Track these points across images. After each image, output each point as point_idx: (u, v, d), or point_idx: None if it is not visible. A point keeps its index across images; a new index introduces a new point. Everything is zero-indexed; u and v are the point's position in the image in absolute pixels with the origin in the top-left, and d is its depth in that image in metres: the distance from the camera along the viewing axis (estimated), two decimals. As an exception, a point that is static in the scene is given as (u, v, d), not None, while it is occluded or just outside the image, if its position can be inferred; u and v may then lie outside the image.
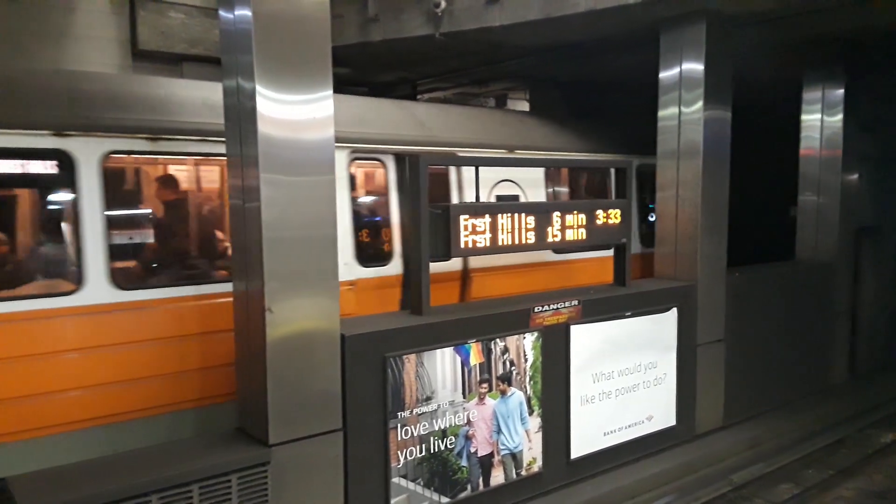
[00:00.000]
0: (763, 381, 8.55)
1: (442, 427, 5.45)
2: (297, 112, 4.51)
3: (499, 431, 5.82)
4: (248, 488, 4.46)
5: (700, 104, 7.27)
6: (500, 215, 5.87)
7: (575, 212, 6.38)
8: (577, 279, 8.07)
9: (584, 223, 6.44)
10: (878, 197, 10.41)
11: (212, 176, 6.41)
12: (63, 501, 3.93)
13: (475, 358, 5.63)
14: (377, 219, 7.06)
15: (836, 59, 9.22)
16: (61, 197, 5.36)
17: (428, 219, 5.57)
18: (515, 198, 7.54)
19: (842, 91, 9.26)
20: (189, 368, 5.58)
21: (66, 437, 5.09)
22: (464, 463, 5.62)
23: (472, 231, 5.70)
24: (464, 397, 5.58)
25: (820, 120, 9.44)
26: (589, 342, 6.43)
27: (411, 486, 5.32)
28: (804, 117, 9.58)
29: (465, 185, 7.40)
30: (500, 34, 7.92)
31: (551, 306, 6.14)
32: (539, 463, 6.12)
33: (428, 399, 5.36)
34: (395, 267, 6.89)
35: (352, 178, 6.78)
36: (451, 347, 5.48)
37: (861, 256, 10.20)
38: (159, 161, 5.99)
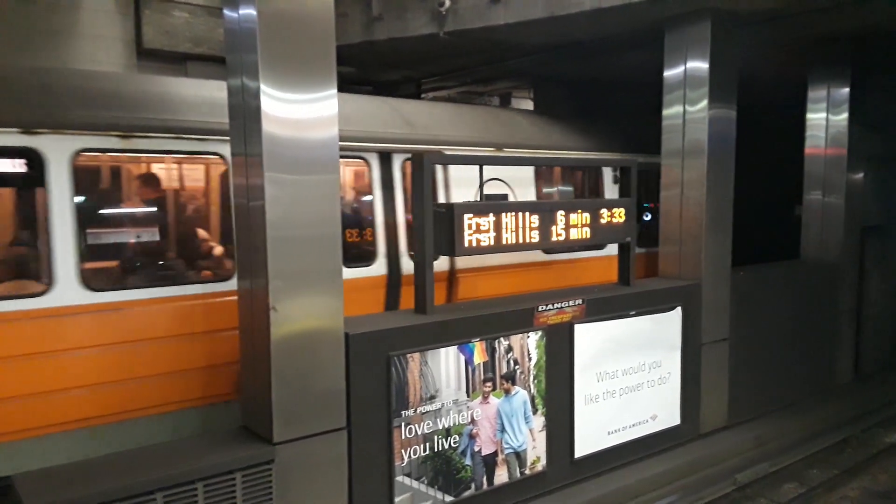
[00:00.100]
0: (767, 380, 8.53)
1: (446, 426, 5.46)
2: (302, 111, 4.51)
3: (502, 430, 5.82)
4: (253, 486, 4.47)
5: (704, 103, 7.26)
6: (503, 214, 5.86)
7: (579, 210, 6.37)
8: (568, 280, 7.97)
9: (588, 222, 6.43)
10: (884, 196, 10.38)
11: (188, 174, 6.31)
12: (68, 499, 3.93)
13: (479, 357, 5.63)
14: (361, 219, 6.92)
15: (841, 58, 9.19)
16: (30, 196, 5.27)
17: (432, 218, 5.58)
18: (504, 197, 7.42)
19: (847, 90, 9.23)
20: (164, 372, 5.48)
21: (35, 441, 5.01)
22: (468, 462, 5.62)
23: (475, 230, 5.69)
24: (468, 396, 5.58)
25: (825, 119, 9.40)
26: (593, 341, 6.42)
27: (415, 484, 5.33)
28: (809, 116, 9.54)
29: (452, 184, 7.27)
30: (505, 33, 7.92)
31: (555, 305, 6.14)
32: (543, 462, 6.12)
33: (432, 398, 5.36)
34: (379, 267, 6.77)
35: None
36: (455, 346, 5.49)
37: (866, 256, 10.18)
38: (132, 159, 5.85)
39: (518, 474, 5.96)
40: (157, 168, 6.04)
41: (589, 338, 6.38)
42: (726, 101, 7.44)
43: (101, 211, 5.71)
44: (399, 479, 5.23)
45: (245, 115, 4.52)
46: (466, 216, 5.63)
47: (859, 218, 9.82)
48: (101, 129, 5.24)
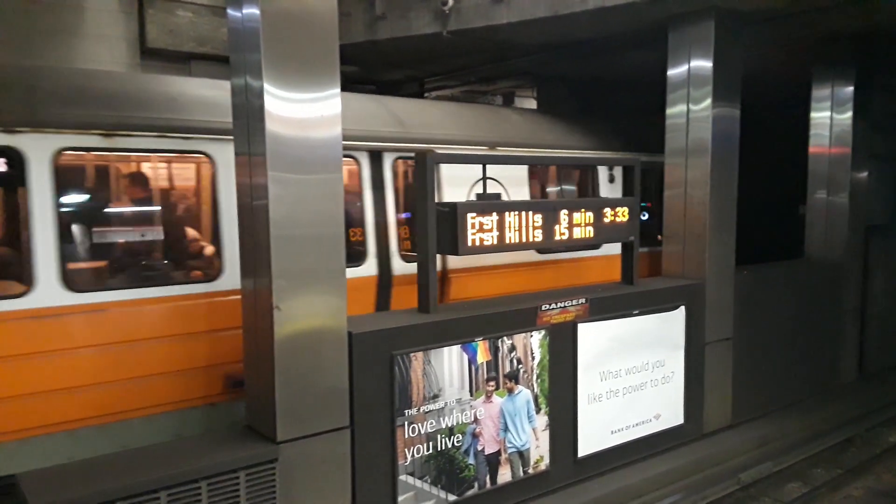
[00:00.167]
0: (771, 379, 8.52)
1: (449, 425, 5.46)
2: (305, 110, 4.52)
3: (506, 429, 5.82)
4: (257, 485, 4.48)
5: (708, 102, 7.25)
6: (507, 213, 5.86)
7: (582, 209, 6.36)
8: (563, 280, 7.86)
9: (592, 221, 6.42)
10: (888, 195, 10.37)
11: (172, 173, 6.21)
12: (72, 498, 3.94)
13: (482, 356, 5.63)
14: (350, 218, 6.74)
15: (845, 57, 9.16)
16: (11, 196, 5.22)
17: (435, 217, 5.58)
18: (497, 196, 7.30)
19: (851, 88, 9.21)
20: (147, 374, 5.39)
21: (14, 444, 4.95)
22: (471, 461, 5.62)
23: (479, 229, 5.68)
24: (471, 395, 5.58)
25: (829, 117, 9.39)
26: (596, 340, 6.42)
27: (419, 483, 5.33)
28: (813, 115, 9.53)
29: (444, 183, 7.10)
30: (508, 32, 7.91)
31: (559, 304, 6.14)
32: (546, 461, 6.12)
33: (435, 397, 5.37)
34: (369, 268, 6.68)
35: None
36: (459, 345, 5.49)
37: (870, 255, 10.16)
38: (115, 158, 5.74)
39: (521, 473, 5.96)
40: (140, 167, 5.95)
41: (592, 337, 6.38)
42: (730, 100, 7.43)
43: (83, 211, 5.60)
44: (402, 478, 5.23)
45: (248, 114, 4.52)
46: (469, 215, 5.63)
47: (863, 217, 9.80)
48: (82, 127, 5.15)
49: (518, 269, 7.59)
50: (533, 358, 5.96)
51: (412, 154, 6.84)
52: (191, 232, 6.12)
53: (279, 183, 4.43)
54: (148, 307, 5.38)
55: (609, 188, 8.46)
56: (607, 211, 6.56)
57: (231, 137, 5.47)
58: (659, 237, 8.66)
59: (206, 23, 9.36)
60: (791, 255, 9.97)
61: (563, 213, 6.22)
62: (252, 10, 4.36)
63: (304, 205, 4.55)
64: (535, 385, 6.00)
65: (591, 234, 6.45)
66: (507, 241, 5.87)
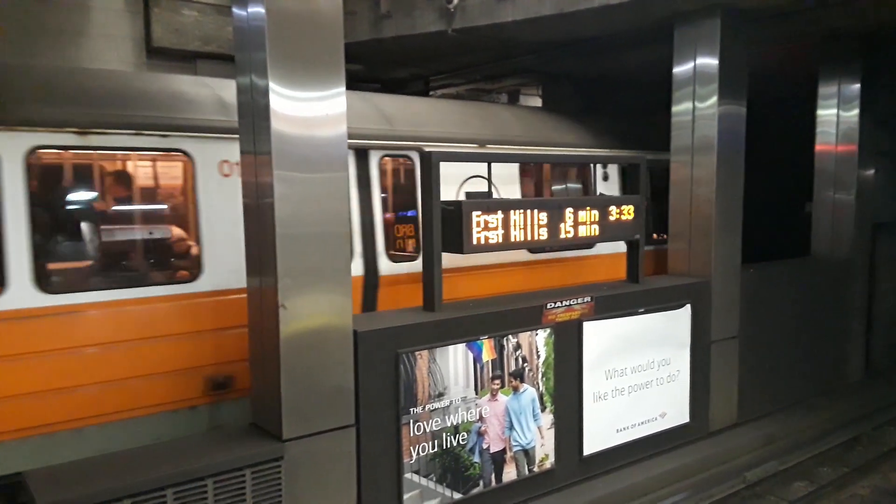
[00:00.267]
0: (777, 378, 8.50)
1: (454, 423, 5.46)
2: (310, 109, 4.53)
3: (511, 428, 5.82)
4: (262, 483, 4.49)
5: (714, 99, 7.24)
6: (512, 211, 5.85)
7: (588, 208, 6.35)
8: (557, 280, 7.71)
9: (597, 219, 6.41)
10: (895, 192, 10.31)
11: (150, 172, 6.04)
12: (79, 495, 3.96)
13: (487, 354, 5.63)
14: None
15: (851, 54, 9.14)
16: None
17: (440, 215, 5.58)
18: (488, 195, 7.17)
19: (858, 86, 9.18)
20: (124, 377, 5.28)
21: None
22: (476, 459, 5.62)
23: (484, 227, 5.68)
24: (476, 394, 5.58)
25: (836, 115, 9.36)
26: (602, 339, 6.41)
27: (424, 481, 5.34)
28: (820, 112, 9.50)
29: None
30: (513, 30, 7.91)
31: (564, 303, 6.13)
32: (551, 459, 6.12)
33: (440, 395, 5.37)
34: (355, 268, 6.44)
35: None
36: (464, 344, 5.49)
37: (877, 252, 10.13)
38: (90, 157, 5.54)
39: (526, 472, 5.96)
40: (116, 166, 5.79)
41: (598, 335, 6.37)
42: (736, 98, 7.42)
43: (57, 211, 5.50)
44: (407, 476, 5.24)
45: (254, 112, 4.53)
46: (475, 214, 5.63)
47: (870, 214, 9.77)
48: (56, 125, 5.03)
49: (511, 268, 7.43)
50: (538, 356, 5.96)
51: (399, 152, 6.80)
52: (169, 232, 5.99)
53: (284, 182, 4.44)
54: (124, 309, 5.27)
55: (603, 186, 8.34)
56: (612, 209, 6.55)
57: (210, 135, 5.39)
58: (655, 236, 8.63)
59: (211, 22, 9.38)
60: (797, 253, 9.94)
61: (569, 212, 6.21)
62: (257, 9, 4.37)
63: (310, 203, 4.56)
64: (541, 383, 5.99)
65: (597, 233, 6.43)
66: (513, 239, 5.87)
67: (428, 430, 5.32)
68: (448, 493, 5.47)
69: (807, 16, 7.47)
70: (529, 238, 5.97)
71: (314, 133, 4.55)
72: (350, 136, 6.45)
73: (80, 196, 5.77)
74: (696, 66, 7.34)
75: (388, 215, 6.97)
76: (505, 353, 5.74)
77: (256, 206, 4.62)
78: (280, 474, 4.55)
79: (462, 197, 6.48)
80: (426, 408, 5.29)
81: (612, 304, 6.50)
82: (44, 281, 5.00)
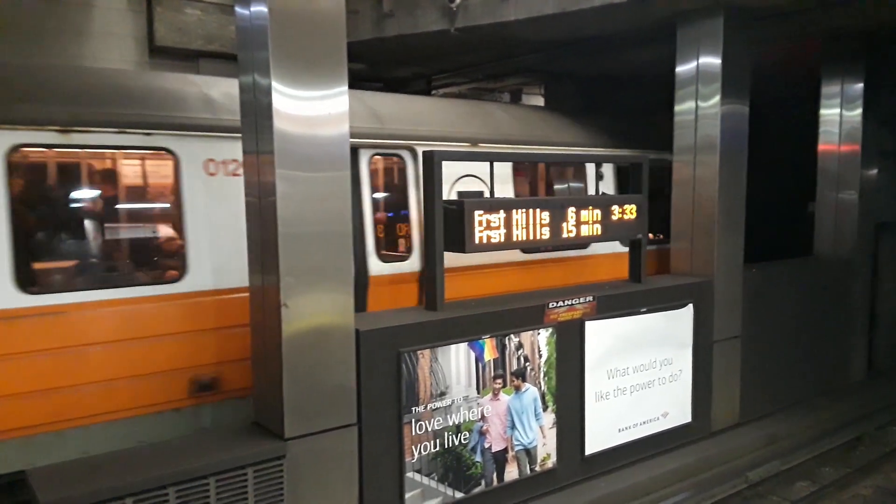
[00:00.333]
0: (780, 377, 8.50)
1: (456, 422, 5.46)
2: (313, 108, 4.53)
3: (513, 427, 5.82)
4: (264, 481, 4.50)
5: (717, 98, 7.23)
6: (514, 211, 5.85)
7: (590, 207, 6.35)
8: (550, 281, 7.59)
9: (600, 218, 6.41)
10: (898, 192, 10.30)
11: (134, 170, 5.95)
12: (81, 494, 3.97)
13: (489, 353, 5.64)
14: None
15: (854, 53, 9.12)
16: None
17: (442, 214, 5.58)
18: (480, 194, 6.79)
19: (861, 85, 9.17)
20: (107, 378, 5.20)
21: None
22: (478, 458, 5.63)
23: (486, 227, 5.68)
24: (478, 393, 5.58)
25: (839, 114, 9.34)
26: (604, 338, 6.41)
27: (425, 480, 5.34)
28: (823, 112, 9.49)
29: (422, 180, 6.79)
30: (515, 29, 7.90)
31: (566, 302, 6.13)
32: (553, 459, 6.12)
33: (442, 394, 5.37)
34: None
35: None
36: (466, 343, 5.49)
37: (880, 252, 10.13)
38: (73, 155, 5.49)
39: (528, 471, 5.96)
40: (100, 164, 5.73)
41: (600, 335, 6.37)
42: (739, 97, 7.41)
43: (38, 210, 5.42)
44: (409, 475, 5.24)
45: (256, 111, 4.54)
46: (477, 213, 5.63)
47: (873, 214, 9.76)
48: (38, 123, 4.97)
49: (503, 269, 7.31)
50: (540, 356, 5.96)
51: (390, 151, 6.73)
52: (153, 232, 5.95)
53: (287, 180, 4.44)
54: (107, 309, 5.19)
55: (598, 185, 8.27)
56: (615, 208, 6.55)
57: (195, 133, 5.37)
58: (651, 236, 8.57)
59: (214, 21, 9.39)
60: (800, 252, 9.93)
61: (571, 211, 6.20)
62: (260, 8, 4.38)
63: (312, 202, 4.56)
64: (543, 383, 6.00)
65: (599, 232, 6.43)
66: (515, 238, 5.87)
67: (430, 430, 5.32)
68: (450, 492, 5.47)
69: (809, 15, 7.45)
70: (532, 237, 5.96)
71: (317, 132, 4.55)
72: None
73: (62, 195, 5.71)
74: (698, 65, 7.33)
75: (379, 215, 6.91)
76: (507, 352, 5.74)
77: (259, 204, 4.62)
78: (282, 473, 4.56)
79: (454, 196, 6.46)
80: (428, 407, 5.29)
81: (614, 303, 6.50)
82: (25, 281, 4.94)
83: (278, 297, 4.47)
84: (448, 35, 8.24)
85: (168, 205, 5.83)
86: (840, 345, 9.54)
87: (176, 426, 5.49)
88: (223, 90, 5.91)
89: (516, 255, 7.44)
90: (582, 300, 6.24)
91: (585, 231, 6.33)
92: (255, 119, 4.55)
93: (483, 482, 5.67)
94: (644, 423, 6.82)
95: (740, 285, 7.74)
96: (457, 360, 5.44)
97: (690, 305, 7.11)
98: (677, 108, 7.58)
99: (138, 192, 5.97)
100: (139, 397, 5.32)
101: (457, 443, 5.48)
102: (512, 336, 5.76)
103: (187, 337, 5.49)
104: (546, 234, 6.05)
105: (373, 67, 10.38)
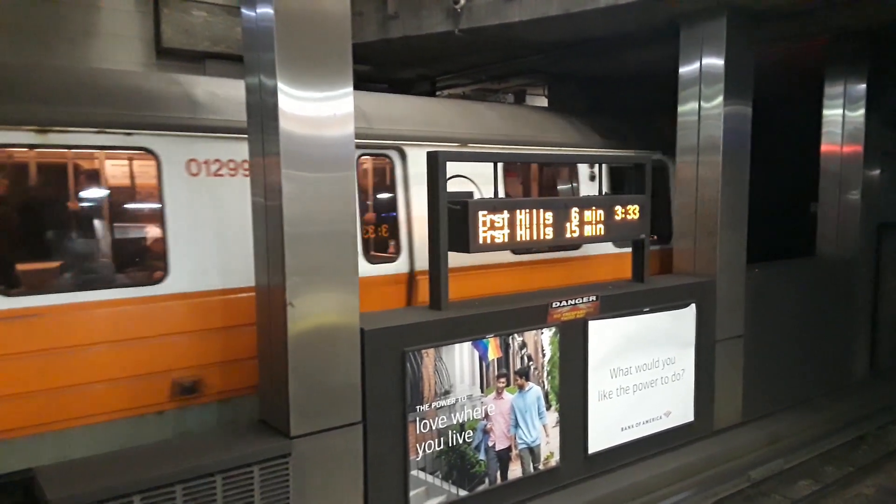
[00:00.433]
0: (782, 377, 8.51)
1: (460, 421, 5.50)
2: (319, 109, 4.56)
3: (516, 426, 5.86)
4: (270, 479, 4.54)
5: (720, 99, 7.25)
6: (518, 211, 5.88)
7: (593, 207, 6.38)
8: (544, 282, 7.50)
9: (603, 219, 6.44)
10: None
11: (114, 171, 5.77)
12: (89, 492, 4.00)
13: (493, 353, 5.67)
14: None
15: (857, 54, 9.13)
16: None
17: (446, 214, 5.61)
18: (469, 195, 6.61)
19: (864, 86, 9.17)
20: (86, 382, 5.09)
21: None
22: (482, 457, 5.66)
23: (490, 227, 5.71)
24: (482, 392, 5.62)
25: (842, 115, 9.35)
26: (607, 338, 6.44)
27: (430, 478, 5.38)
28: (826, 112, 9.49)
29: (413, 181, 6.74)
30: (520, 30, 7.93)
31: (569, 302, 6.16)
32: (556, 457, 6.16)
33: (446, 393, 5.41)
34: None
35: None
36: (470, 342, 5.53)
37: (882, 252, 10.12)
38: (51, 155, 5.33)
39: (532, 469, 5.99)
40: (78, 164, 5.57)
41: (603, 334, 6.40)
42: (742, 98, 7.43)
43: (14, 211, 5.35)
44: (414, 473, 5.28)
45: (262, 112, 4.57)
46: (481, 213, 5.66)
47: (876, 215, 9.76)
48: (14, 123, 4.86)
49: (494, 270, 7.18)
50: (543, 355, 5.99)
51: (378, 151, 6.65)
52: (133, 233, 5.84)
53: (293, 181, 4.48)
54: (87, 311, 5.07)
55: (591, 186, 8.16)
56: (618, 209, 6.58)
57: (177, 133, 5.34)
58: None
59: (220, 22, 9.44)
60: (803, 253, 9.94)
61: (574, 211, 6.23)
62: (266, 10, 4.41)
63: (318, 203, 4.60)
64: (546, 382, 6.03)
65: (602, 232, 6.46)
66: (518, 239, 5.90)
67: (434, 428, 5.36)
68: (454, 490, 5.51)
69: (812, 16, 7.46)
70: (535, 237, 5.99)
71: (322, 133, 4.59)
72: None
73: (39, 196, 5.61)
74: (701, 66, 7.35)
75: (367, 216, 6.86)
76: (510, 351, 5.77)
77: (264, 205, 4.66)
78: (288, 471, 4.59)
79: None
80: (432, 405, 5.33)
81: (617, 303, 6.53)
82: (2, 283, 4.87)
83: (284, 297, 4.51)
84: (452, 36, 8.27)
85: (149, 206, 5.68)
86: (842, 344, 9.55)
87: (162, 431, 5.39)
88: (207, 89, 5.84)
89: (506, 257, 7.31)
90: (585, 300, 6.27)
91: (589, 231, 6.35)
92: (261, 120, 4.59)
93: (487, 480, 5.71)
94: (647, 422, 6.85)
95: (743, 285, 7.76)
96: (461, 359, 5.48)
97: (693, 305, 7.13)
98: (680, 108, 7.60)
99: (118, 193, 5.81)
100: (119, 401, 5.21)
101: (461, 441, 5.52)
102: (515, 335, 5.80)
103: (168, 339, 5.38)
104: (549, 234, 6.07)
105: (378, 69, 10.42)
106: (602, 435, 6.48)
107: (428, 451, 5.34)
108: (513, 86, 13.13)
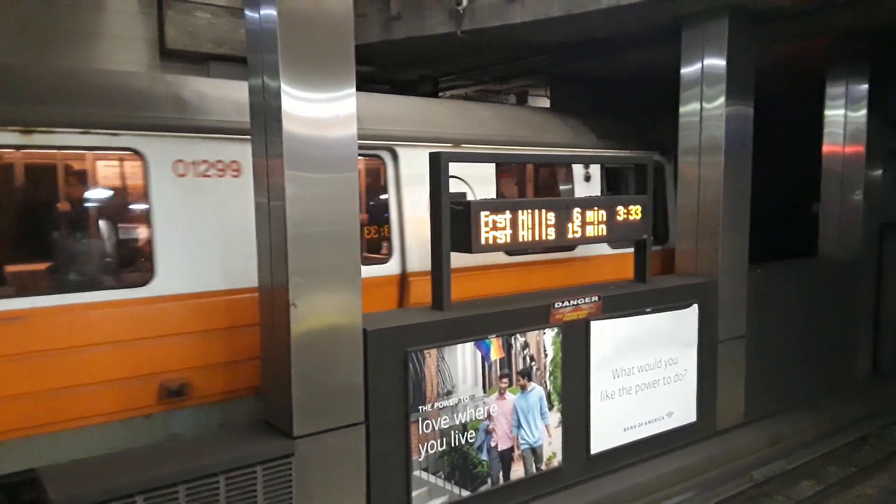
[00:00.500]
0: (785, 377, 8.51)
1: (462, 421, 5.51)
2: (322, 110, 4.59)
3: (519, 426, 5.87)
4: (273, 479, 4.55)
5: (722, 100, 7.25)
6: (520, 211, 5.89)
7: (595, 208, 6.39)
8: (540, 282, 7.47)
9: (605, 219, 6.45)
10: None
11: (100, 172, 5.73)
12: (92, 491, 4.02)
13: (495, 353, 5.68)
14: None
15: (859, 54, 9.13)
16: None
17: (449, 215, 5.62)
18: (462, 195, 6.52)
19: (865, 86, 9.17)
20: (72, 385, 5.03)
21: None
22: (484, 457, 5.67)
23: (492, 227, 5.72)
24: (484, 392, 5.63)
25: (843, 115, 9.35)
26: (609, 338, 6.44)
27: (432, 479, 5.39)
28: (827, 112, 9.48)
29: (404, 182, 6.72)
30: (522, 31, 7.94)
31: (571, 302, 6.17)
32: (559, 458, 6.16)
33: (449, 393, 5.42)
34: None
35: None
36: (472, 342, 5.54)
37: (885, 252, 10.12)
38: (35, 156, 5.31)
39: (534, 470, 6.00)
40: (64, 165, 5.52)
41: (605, 334, 6.41)
42: (744, 98, 7.43)
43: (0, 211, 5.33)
44: (416, 473, 5.29)
45: (266, 114, 4.59)
46: (483, 213, 5.67)
47: (878, 215, 9.77)
48: None
49: (487, 271, 7.11)
50: (546, 355, 6.00)
51: (369, 152, 6.59)
52: (120, 235, 5.78)
53: (296, 182, 4.49)
54: (72, 314, 5.02)
55: (586, 187, 8.15)
56: (620, 209, 6.58)
57: (164, 133, 5.31)
58: None
59: (224, 24, 9.45)
60: (805, 253, 9.94)
61: (576, 212, 6.24)
62: (269, 12, 4.43)
63: (321, 203, 4.61)
64: (548, 382, 6.04)
65: (604, 233, 6.47)
66: (521, 239, 5.91)
67: (436, 428, 5.37)
68: (456, 490, 5.52)
69: (813, 17, 7.47)
70: (537, 238, 6.00)
71: (325, 134, 4.61)
72: None
73: (25, 197, 5.59)
74: (703, 66, 7.36)
75: (360, 217, 6.85)
76: (513, 351, 5.78)
77: (267, 205, 4.68)
78: (291, 471, 4.61)
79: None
80: (435, 406, 5.34)
81: (619, 303, 6.53)
82: None
83: (287, 297, 4.52)
84: (455, 37, 8.28)
85: (136, 207, 5.65)
86: (845, 345, 9.55)
87: (151, 434, 5.34)
88: (194, 90, 5.80)
89: (500, 258, 7.23)
90: (587, 300, 6.28)
91: (591, 232, 6.36)
92: (265, 121, 4.61)
93: (489, 481, 5.72)
94: (649, 422, 6.85)
95: (745, 285, 7.77)
96: (463, 360, 5.49)
97: (695, 305, 7.14)
98: (682, 109, 7.60)
99: (105, 194, 5.79)
100: (106, 404, 5.16)
101: (463, 441, 5.53)
102: (518, 336, 5.80)
103: (156, 342, 5.33)
104: (552, 234, 6.08)
105: (380, 70, 10.43)
106: (604, 435, 6.49)
107: (430, 452, 5.35)
108: (515, 87, 13.15)
